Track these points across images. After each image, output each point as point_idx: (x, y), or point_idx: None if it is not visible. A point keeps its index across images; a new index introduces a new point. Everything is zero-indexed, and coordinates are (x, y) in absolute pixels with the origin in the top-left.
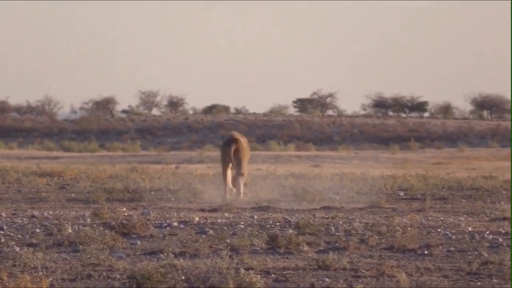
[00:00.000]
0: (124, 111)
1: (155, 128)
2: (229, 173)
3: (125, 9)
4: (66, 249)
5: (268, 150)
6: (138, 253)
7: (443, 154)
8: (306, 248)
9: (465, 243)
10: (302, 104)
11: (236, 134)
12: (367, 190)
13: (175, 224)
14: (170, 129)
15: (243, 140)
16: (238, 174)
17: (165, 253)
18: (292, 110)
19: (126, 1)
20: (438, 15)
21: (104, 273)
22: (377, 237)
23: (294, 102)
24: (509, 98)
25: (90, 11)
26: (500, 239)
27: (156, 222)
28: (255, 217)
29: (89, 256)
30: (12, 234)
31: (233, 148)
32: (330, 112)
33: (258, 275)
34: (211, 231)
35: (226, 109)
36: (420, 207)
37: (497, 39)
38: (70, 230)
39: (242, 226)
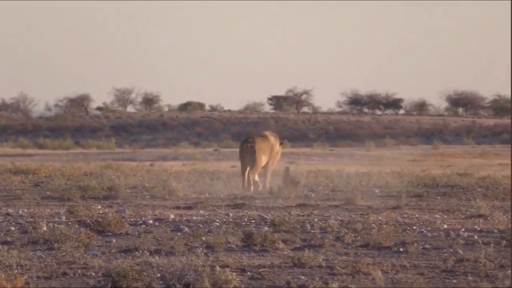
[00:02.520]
0: (98, 108)
1: (130, 125)
2: (247, 171)
3: (98, 7)
4: (41, 247)
5: None
6: (113, 250)
7: (418, 151)
8: (281, 245)
9: (440, 240)
10: (277, 101)
11: (269, 133)
12: (343, 187)
13: (150, 221)
14: (145, 126)
15: (262, 140)
16: (252, 171)
17: (140, 251)
18: (267, 107)
19: (100, 0)
20: (412, 13)
21: (79, 271)
22: (352, 235)
23: (269, 99)
24: (484, 95)
25: (63, 10)
26: (476, 237)
27: (131, 219)
28: (231, 214)
29: (64, 254)
30: None
31: (245, 147)
32: (305, 109)
33: (234, 273)
34: (186, 229)
35: (201, 106)
36: (395, 204)
37: (471, 37)
38: (45, 228)
39: (218, 224)
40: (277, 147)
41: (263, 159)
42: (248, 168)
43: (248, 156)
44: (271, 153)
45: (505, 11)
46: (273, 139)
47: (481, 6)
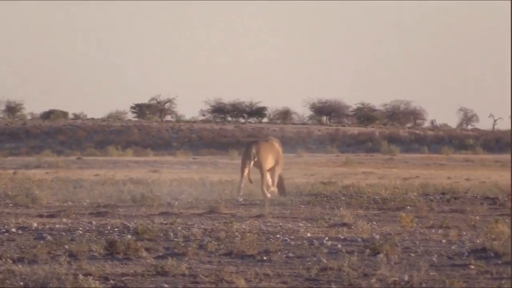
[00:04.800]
0: None
1: None
2: (246, 173)
3: None
4: None
5: (107, 156)
6: None
7: None
8: (144, 254)
9: (304, 249)
10: (140, 109)
11: (274, 139)
12: (206, 195)
13: (13, 229)
14: (7, 134)
15: (268, 144)
16: (262, 176)
17: (3, 259)
18: (131, 116)
19: None
20: (275, 20)
21: None
22: (216, 243)
23: (133, 107)
24: (348, 104)
25: None
26: (339, 245)
27: None
28: (94, 222)
29: None
30: None
31: (252, 151)
32: (168, 117)
33: (97, 281)
34: (49, 237)
35: (64, 114)
36: (259, 212)
37: (334, 44)
38: None
39: (81, 232)
40: (281, 152)
41: (269, 163)
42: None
43: (256, 161)
44: (277, 157)
45: (366, 14)
46: (277, 145)
47: (343, 12)
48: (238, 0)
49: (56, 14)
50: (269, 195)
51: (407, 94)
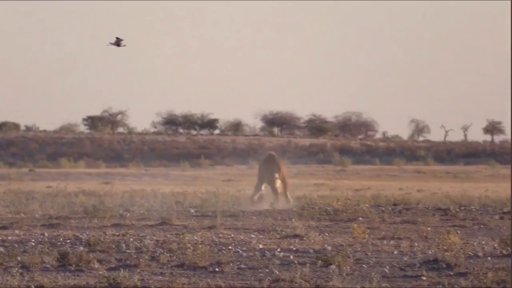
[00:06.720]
0: None
1: None
2: (263, 187)
3: None
4: None
5: (59, 168)
6: None
7: (233, 171)
8: (97, 265)
9: (256, 260)
10: (92, 121)
11: (275, 153)
12: (158, 207)
13: None
14: None
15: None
16: (285, 189)
17: None
18: (83, 128)
19: None
20: (226, 32)
21: None
22: (168, 254)
23: (85, 119)
24: (299, 115)
25: None
26: (291, 257)
27: None
28: (46, 234)
29: None
30: None
31: (276, 168)
32: (120, 129)
33: None
34: (1, 249)
35: (16, 126)
36: (211, 224)
37: (285, 55)
38: None
39: (33, 244)
40: None
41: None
42: (274, 187)
43: (277, 176)
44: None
45: (317, 27)
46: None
47: (294, 23)
48: (189, 12)
49: (7, 25)
50: (292, 201)
51: (359, 106)
